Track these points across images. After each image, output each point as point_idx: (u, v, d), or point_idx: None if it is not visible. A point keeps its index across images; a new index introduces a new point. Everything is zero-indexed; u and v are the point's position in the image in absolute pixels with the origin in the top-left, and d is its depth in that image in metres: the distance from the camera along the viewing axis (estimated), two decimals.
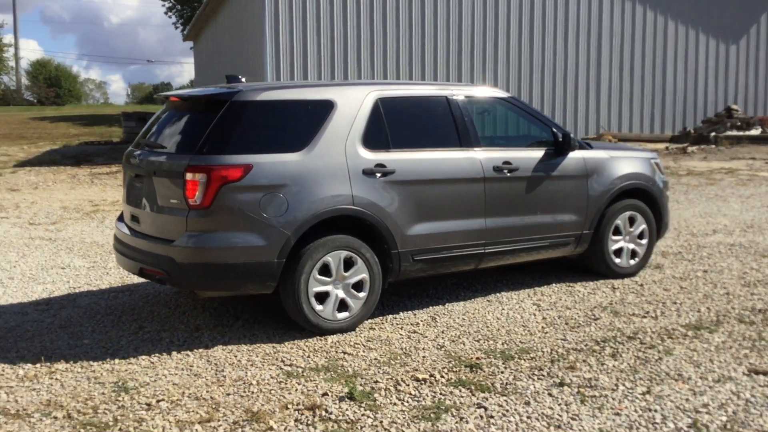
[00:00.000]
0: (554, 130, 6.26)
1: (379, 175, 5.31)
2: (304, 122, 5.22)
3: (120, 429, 3.77)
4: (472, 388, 4.23)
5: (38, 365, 4.71)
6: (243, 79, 5.79)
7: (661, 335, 5.11)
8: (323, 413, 3.90)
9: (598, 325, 5.38)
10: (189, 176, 4.87)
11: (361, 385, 4.29)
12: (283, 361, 4.75)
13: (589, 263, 6.68)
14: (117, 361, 4.79)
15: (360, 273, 5.27)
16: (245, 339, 5.17)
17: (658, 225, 6.89)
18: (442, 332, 5.29)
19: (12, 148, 19.40)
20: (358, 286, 5.29)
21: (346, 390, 4.17)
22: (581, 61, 20.80)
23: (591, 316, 5.61)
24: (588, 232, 6.40)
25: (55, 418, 3.92)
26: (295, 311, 5.11)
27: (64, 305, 6.08)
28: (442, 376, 4.41)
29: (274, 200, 4.93)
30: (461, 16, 19.55)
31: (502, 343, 5.02)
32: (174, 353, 4.90)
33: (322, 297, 5.16)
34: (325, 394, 4.16)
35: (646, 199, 6.77)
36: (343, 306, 5.25)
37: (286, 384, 4.35)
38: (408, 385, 4.28)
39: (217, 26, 25.47)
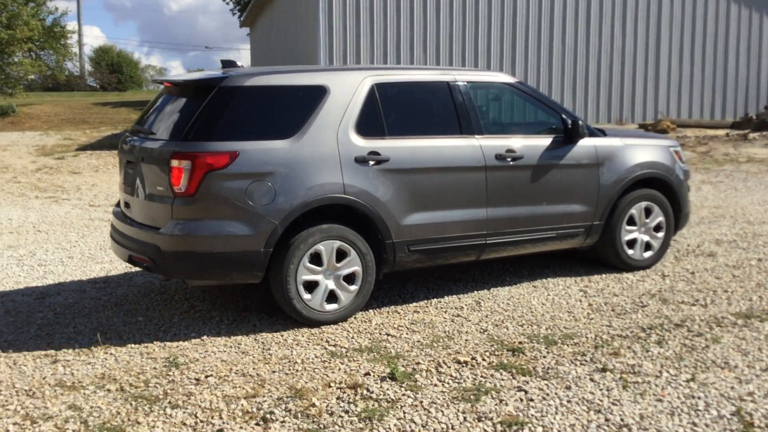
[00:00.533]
0: (564, 116, 6.01)
1: (372, 163, 5.15)
2: (294, 108, 5.10)
3: (169, 402, 3.91)
4: (513, 371, 4.25)
5: (94, 340, 4.91)
6: (241, 65, 5.66)
7: (710, 323, 5.03)
8: (364, 392, 3.98)
9: (646, 312, 5.32)
10: (174, 163, 4.78)
11: (402, 366, 4.36)
12: (327, 341, 4.84)
13: (600, 255, 6.43)
14: (169, 337, 4.96)
15: (352, 264, 5.15)
16: (292, 319, 5.28)
17: (676, 216, 6.58)
18: (486, 316, 5.31)
19: (75, 133, 20.01)
20: (350, 278, 5.18)
21: (387, 370, 4.24)
22: (639, 45, 20.34)
23: (638, 303, 5.55)
24: (599, 223, 6.15)
25: (109, 390, 4.09)
26: (283, 301, 5.02)
27: (120, 284, 6.31)
28: (483, 359, 4.44)
29: (261, 188, 4.83)
30: (515, 6, 19.33)
31: (546, 329, 5.02)
32: (223, 332, 5.05)
33: (311, 287, 5.06)
34: (367, 374, 4.24)
35: (664, 189, 6.49)
36: (332, 297, 5.14)
37: (329, 363, 4.44)
38: (449, 367, 4.32)
39: (272, 12, 25.72)
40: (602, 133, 6.37)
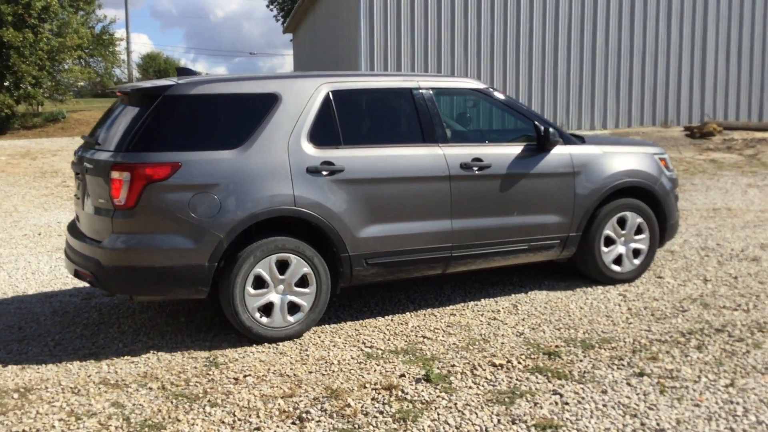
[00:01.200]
0: (537, 124, 5.70)
1: (325, 173, 4.96)
2: (243, 117, 4.93)
3: (209, 401, 4.00)
4: (549, 375, 4.24)
5: (137, 340, 5.05)
6: (201, 73, 5.37)
7: (751, 328, 4.95)
8: (399, 393, 4.02)
9: (686, 317, 5.25)
10: (114, 175, 4.63)
11: (438, 368, 4.38)
12: (364, 343, 4.89)
13: (580, 267, 6.17)
14: (209, 338, 5.07)
15: (305, 278, 4.97)
16: (330, 321, 5.35)
17: (662, 227, 6.25)
18: (523, 320, 5.30)
19: None
20: (303, 291, 4.98)
21: (423, 372, 4.27)
22: (685, 45, 20.02)
23: (679, 307, 5.48)
24: (575, 234, 5.86)
25: (150, 388, 4.20)
26: (231, 317, 4.85)
27: None
28: (519, 363, 4.44)
29: (205, 201, 4.66)
30: (557, 6, 19.19)
31: (583, 333, 4.99)
32: None
33: (261, 301, 4.88)
34: (402, 376, 4.28)
35: (648, 198, 6.17)
36: (288, 311, 4.96)
37: (365, 365, 4.49)
38: (484, 370, 4.33)
39: (314, 18, 25.97)
40: (580, 140, 6.11)
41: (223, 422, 3.75)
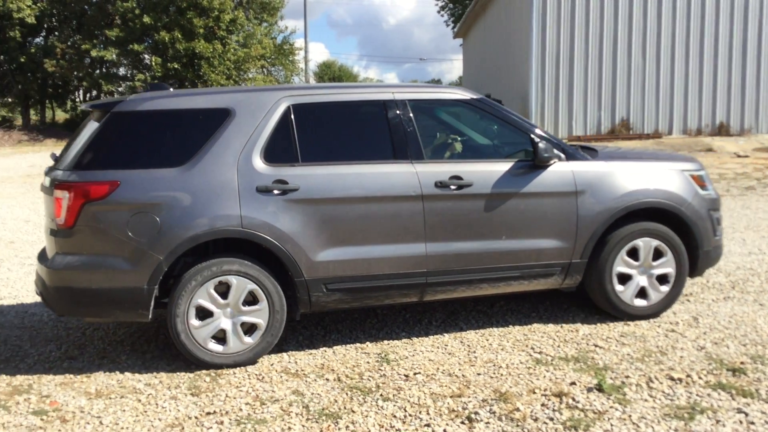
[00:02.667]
0: (533, 138, 5.10)
1: (277, 192, 4.65)
2: (190, 134, 4.70)
3: (381, 395, 4.16)
4: (733, 392, 4.00)
5: (315, 333, 5.32)
6: (170, 89, 5.18)
7: None
8: (570, 401, 3.96)
9: None
10: (57, 194, 4.53)
11: (611, 378, 4.27)
12: (532, 348, 4.86)
13: (593, 299, 5.44)
14: (381, 335, 5.24)
15: (257, 303, 4.69)
16: (497, 324, 5.36)
17: (694, 254, 5.38)
18: (704, 333, 5.03)
19: None
20: (254, 309, 4.70)
21: (594, 381, 4.18)
22: None
23: None
24: (579, 261, 5.17)
25: (327, 379, 4.43)
26: (176, 342, 4.63)
27: None
28: (699, 378, 4.22)
29: (144, 221, 4.47)
30: (746, 5, 17.95)
31: None
32: (431, 333, 5.24)
33: (205, 315, 4.66)
34: (572, 384, 4.21)
35: (675, 222, 5.36)
36: (248, 331, 4.73)
37: (534, 370, 4.46)
38: (661, 383, 4.16)
39: (485, 23, 25.95)
40: (591, 154, 5.48)
41: (394, 416, 3.88)
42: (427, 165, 4.94)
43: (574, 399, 3.98)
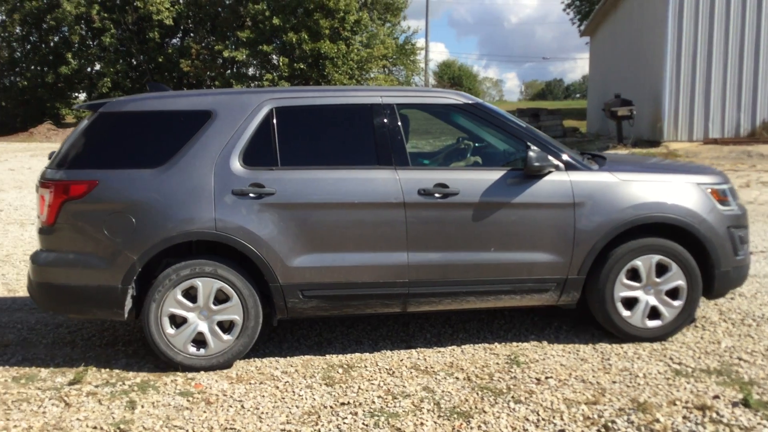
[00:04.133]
0: (530, 144, 4.85)
1: (253, 196, 4.59)
2: (171, 135, 4.71)
3: (512, 397, 4.13)
4: None
5: (443, 332, 5.35)
6: (169, 89, 5.23)
7: None
8: (714, 415, 3.79)
9: None
10: (41, 191, 4.67)
11: (757, 393, 4.05)
12: (671, 358, 4.68)
13: (597, 318, 5.07)
14: (510, 337, 5.20)
15: (231, 307, 4.64)
16: (631, 335, 5.19)
17: (709, 274, 4.96)
18: None
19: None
20: (227, 323, 4.68)
21: (740, 396, 3.98)
22: None
23: None
24: (577, 277, 4.86)
25: (457, 378, 4.44)
26: (150, 341, 4.63)
27: None
28: None
29: (120, 220, 4.52)
30: None
31: None
32: (561, 337, 5.15)
33: (179, 323, 4.65)
34: (716, 397, 4.03)
35: (688, 239, 4.95)
36: (203, 343, 4.68)
37: (673, 381, 4.30)
38: None
39: (615, 20, 25.16)
40: (599, 162, 5.19)
41: (527, 419, 3.84)
42: (411, 172, 4.78)
43: (718, 413, 3.81)
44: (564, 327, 5.37)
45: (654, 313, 4.98)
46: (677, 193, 4.96)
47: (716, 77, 17.72)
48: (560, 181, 4.85)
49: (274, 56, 33.59)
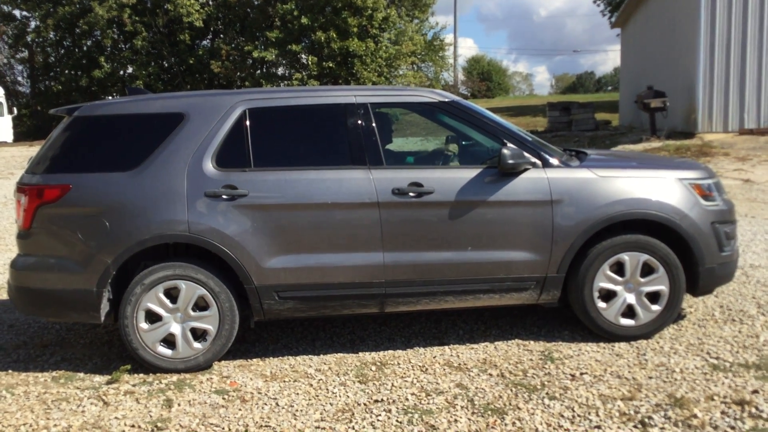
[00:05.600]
0: (506, 142, 4.83)
1: (226, 197, 4.58)
2: (143, 138, 4.71)
3: (547, 393, 4.10)
4: None
5: (476, 328, 5.33)
6: (149, 93, 5.24)
7: None
8: (753, 410, 3.73)
9: None
10: (17, 196, 4.72)
11: None
12: (708, 353, 4.61)
13: (576, 314, 5.03)
14: (543, 333, 5.17)
15: (208, 309, 4.64)
16: (669, 327, 5.12)
17: (693, 272, 4.87)
18: None
19: None
20: (203, 315, 4.66)
21: None
22: None
23: None
24: (556, 275, 4.81)
25: (490, 375, 4.43)
26: (128, 345, 4.63)
27: None
28: None
29: (94, 224, 4.54)
30: None
31: None
32: (595, 333, 5.08)
33: (161, 331, 4.65)
34: (755, 392, 3.96)
35: (670, 235, 4.86)
36: (199, 337, 4.69)
37: (711, 376, 4.23)
38: None
39: (647, 10, 24.81)
40: (580, 158, 5.13)
41: (562, 416, 3.81)
42: (385, 171, 4.75)
43: (757, 408, 3.75)
44: None
45: (630, 313, 4.92)
46: (657, 188, 4.89)
47: (751, 67, 17.38)
48: (537, 178, 4.80)
49: (303, 55, 33.69)
